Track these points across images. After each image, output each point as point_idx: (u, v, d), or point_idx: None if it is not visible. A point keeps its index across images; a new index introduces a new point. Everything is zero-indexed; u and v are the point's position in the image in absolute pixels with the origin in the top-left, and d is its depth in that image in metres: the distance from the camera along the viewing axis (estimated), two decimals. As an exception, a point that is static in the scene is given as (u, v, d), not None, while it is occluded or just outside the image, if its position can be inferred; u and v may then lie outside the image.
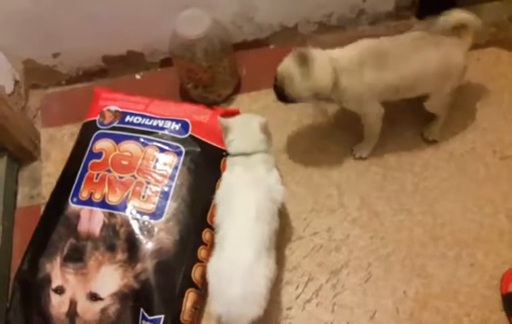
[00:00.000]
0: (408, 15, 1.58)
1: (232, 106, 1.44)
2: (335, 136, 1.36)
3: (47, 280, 1.06)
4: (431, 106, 1.26)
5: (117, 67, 1.55)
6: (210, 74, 1.38)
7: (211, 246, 1.13)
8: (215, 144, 1.24)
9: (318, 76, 1.14)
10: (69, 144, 1.29)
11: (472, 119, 1.37)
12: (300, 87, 1.15)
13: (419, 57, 1.17)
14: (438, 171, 1.30)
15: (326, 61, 1.15)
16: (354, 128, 1.34)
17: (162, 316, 1.03)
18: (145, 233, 1.09)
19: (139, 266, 1.05)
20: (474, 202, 1.24)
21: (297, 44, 1.28)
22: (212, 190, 1.18)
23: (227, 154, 1.16)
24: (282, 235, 1.21)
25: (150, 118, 1.24)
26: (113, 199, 1.12)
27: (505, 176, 1.28)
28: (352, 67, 1.16)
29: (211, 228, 1.14)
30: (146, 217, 1.10)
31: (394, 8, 1.55)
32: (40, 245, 1.11)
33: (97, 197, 1.13)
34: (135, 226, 1.09)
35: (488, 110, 1.38)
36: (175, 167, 1.17)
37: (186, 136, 1.22)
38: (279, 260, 1.18)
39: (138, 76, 1.56)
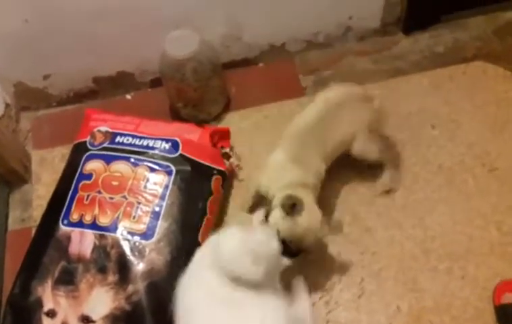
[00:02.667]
0: (394, 31, 1.60)
1: (222, 124, 1.45)
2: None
3: (39, 303, 1.05)
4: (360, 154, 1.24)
5: (107, 88, 1.56)
6: (199, 93, 1.39)
7: (202, 265, 1.14)
8: (205, 163, 1.24)
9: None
10: (61, 166, 1.28)
11: (460, 132, 1.39)
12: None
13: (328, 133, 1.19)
14: (427, 184, 1.31)
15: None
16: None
17: (154, 337, 1.02)
18: (136, 254, 1.08)
19: (130, 288, 1.04)
20: (464, 215, 1.25)
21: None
22: (203, 208, 1.18)
23: None
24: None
25: (141, 138, 1.24)
26: (103, 220, 1.11)
27: (494, 188, 1.29)
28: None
29: (203, 247, 1.14)
30: (137, 238, 1.10)
31: (380, 25, 1.58)
32: (31, 268, 1.10)
33: (88, 219, 1.12)
34: (126, 247, 1.09)
35: (475, 123, 1.40)
36: (166, 187, 1.17)
37: (177, 154, 1.22)
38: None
39: (128, 96, 1.57)
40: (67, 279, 1.06)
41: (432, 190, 1.30)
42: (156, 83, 1.54)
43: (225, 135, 1.34)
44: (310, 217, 1.06)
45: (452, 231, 1.23)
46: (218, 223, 1.27)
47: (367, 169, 1.31)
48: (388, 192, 1.29)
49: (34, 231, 1.22)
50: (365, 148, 1.23)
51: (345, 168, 1.33)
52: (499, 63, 1.50)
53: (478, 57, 1.52)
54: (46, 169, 1.41)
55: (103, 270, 1.06)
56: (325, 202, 1.28)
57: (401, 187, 1.30)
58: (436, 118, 1.41)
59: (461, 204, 1.27)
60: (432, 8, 1.58)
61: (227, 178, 1.31)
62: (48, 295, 1.05)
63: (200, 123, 1.36)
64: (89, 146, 1.24)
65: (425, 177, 1.32)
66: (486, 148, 1.35)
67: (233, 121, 1.45)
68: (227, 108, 1.50)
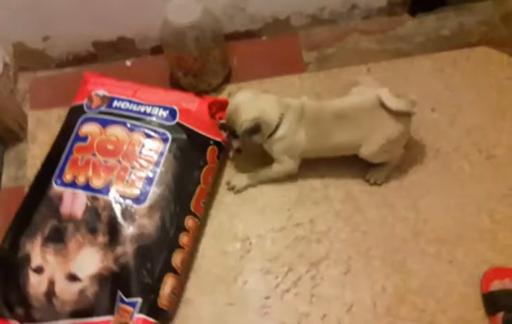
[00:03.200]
0: (400, 12, 1.58)
1: (222, 96, 1.44)
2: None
3: (27, 259, 1.06)
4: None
5: (107, 53, 1.55)
6: (200, 63, 1.38)
7: (193, 233, 1.15)
8: (202, 132, 1.24)
9: (267, 109, 1.17)
10: (57, 127, 1.28)
11: (459, 117, 1.37)
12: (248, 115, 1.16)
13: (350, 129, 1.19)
14: (423, 167, 1.30)
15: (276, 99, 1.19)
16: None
17: (139, 299, 1.03)
18: (127, 217, 1.09)
19: (119, 250, 1.06)
20: (457, 200, 1.25)
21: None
22: (197, 177, 1.19)
23: None
24: (264, 225, 1.22)
25: (138, 104, 1.24)
26: (96, 183, 1.12)
27: (489, 175, 1.28)
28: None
29: (195, 215, 1.15)
30: (129, 202, 1.11)
31: (386, 4, 1.55)
32: (21, 224, 1.11)
33: (81, 180, 1.13)
34: (117, 210, 1.09)
35: (475, 109, 1.38)
36: (161, 154, 1.17)
37: (173, 123, 1.22)
38: (261, 249, 1.19)
39: (128, 63, 1.56)
40: (56, 237, 1.07)
41: (428, 174, 1.29)
42: (157, 50, 1.53)
43: (223, 106, 1.33)
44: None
45: (445, 215, 1.23)
46: (212, 194, 1.27)
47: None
48: (374, 183, 1.28)
49: (27, 189, 1.22)
50: (371, 156, 1.22)
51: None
52: (504, 49, 1.47)
53: (483, 42, 1.50)
54: (42, 129, 1.41)
55: (93, 231, 1.07)
56: (319, 177, 1.29)
57: (396, 169, 1.30)
58: (437, 102, 1.40)
59: (455, 189, 1.26)
60: (439, -10, 1.55)
61: (224, 149, 1.31)
62: (37, 252, 1.06)
63: (199, 93, 1.36)
64: (86, 109, 1.25)
65: (422, 160, 1.31)
66: (485, 134, 1.34)
67: (233, 93, 1.44)
68: (227, 80, 1.49)
